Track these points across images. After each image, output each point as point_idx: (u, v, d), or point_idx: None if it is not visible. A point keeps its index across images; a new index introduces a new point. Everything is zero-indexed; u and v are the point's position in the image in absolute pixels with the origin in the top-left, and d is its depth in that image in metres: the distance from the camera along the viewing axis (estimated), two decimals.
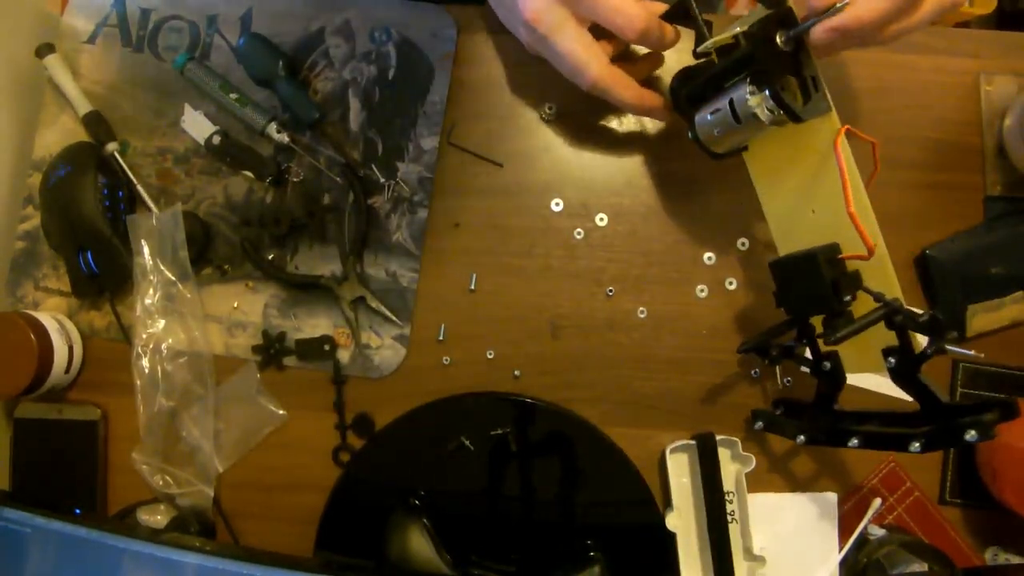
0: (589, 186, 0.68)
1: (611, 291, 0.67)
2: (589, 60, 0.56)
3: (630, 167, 0.68)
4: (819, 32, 0.47)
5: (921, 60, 0.67)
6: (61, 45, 0.71)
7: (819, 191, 0.54)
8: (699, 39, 0.52)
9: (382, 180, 0.68)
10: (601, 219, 0.68)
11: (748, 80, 0.50)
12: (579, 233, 0.68)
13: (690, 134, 0.56)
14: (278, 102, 0.69)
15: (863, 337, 0.51)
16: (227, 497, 0.68)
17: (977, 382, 0.65)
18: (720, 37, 0.51)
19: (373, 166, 0.68)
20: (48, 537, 0.54)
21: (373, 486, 0.67)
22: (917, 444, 0.53)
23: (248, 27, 0.70)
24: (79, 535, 0.53)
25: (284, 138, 0.68)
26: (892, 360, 0.52)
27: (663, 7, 0.56)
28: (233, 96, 0.68)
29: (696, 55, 0.54)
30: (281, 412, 0.68)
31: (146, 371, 0.67)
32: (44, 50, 0.69)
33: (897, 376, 0.53)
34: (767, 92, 0.49)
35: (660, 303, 0.67)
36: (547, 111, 0.68)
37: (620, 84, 0.57)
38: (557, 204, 0.68)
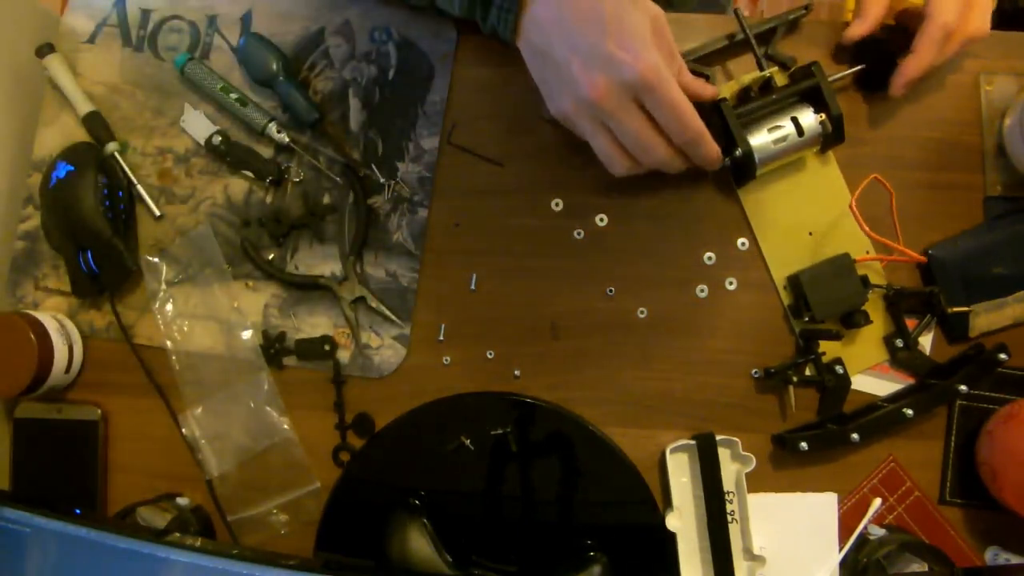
0: (589, 186, 0.68)
1: (611, 291, 0.67)
2: (657, 143, 0.56)
3: None
4: (898, 88, 0.62)
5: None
6: (61, 45, 0.71)
7: (817, 216, 0.67)
8: (760, 67, 0.63)
9: (382, 180, 0.68)
10: (601, 219, 0.68)
11: (806, 104, 0.62)
12: (579, 233, 0.68)
13: (739, 151, 0.61)
14: (278, 102, 0.69)
15: (864, 334, 0.66)
16: (227, 497, 0.68)
17: (979, 383, 0.65)
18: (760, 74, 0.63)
19: (373, 166, 0.68)
20: (48, 537, 0.54)
21: (373, 486, 0.67)
22: (910, 411, 0.62)
23: (248, 27, 0.70)
24: (79, 535, 0.53)
25: (284, 138, 0.68)
26: (899, 342, 0.65)
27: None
28: (233, 96, 0.68)
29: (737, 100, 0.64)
30: (286, 427, 0.67)
31: None
32: (44, 50, 0.69)
33: (899, 355, 0.65)
34: (827, 114, 0.61)
35: (660, 303, 0.67)
36: (547, 111, 0.68)
37: (700, 128, 0.57)
38: (557, 204, 0.68)
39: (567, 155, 0.68)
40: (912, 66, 0.60)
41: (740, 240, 0.67)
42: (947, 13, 0.58)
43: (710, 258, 0.67)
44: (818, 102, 0.62)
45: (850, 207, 0.63)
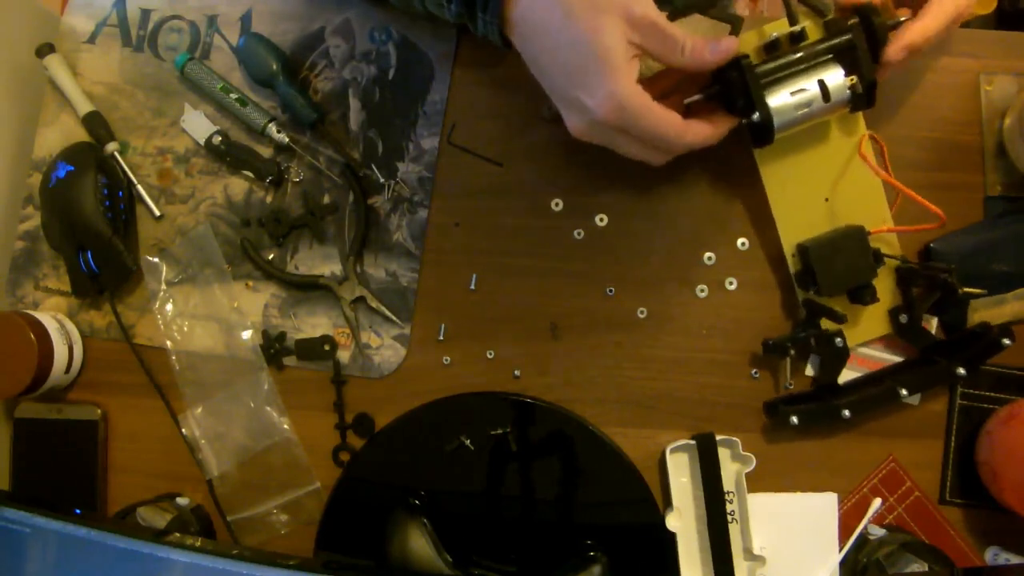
0: (589, 186, 0.68)
1: (611, 291, 0.67)
2: (651, 155, 0.56)
3: (630, 167, 0.67)
4: (896, 52, 0.56)
5: (921, 60, 0.67)
6: (61, 45, 0.71)
7: (835, 181, 0.63)
8: (791, 20, 0.58)
9: (382, 180, 0.68)
10: (601, 219, 0.68)
11: (836, 64, 0.57)
12: (579, 233, 0.68)
13: (757, 115, 0.57)
14: (278, 102, 0.69)
15: (868, 308, 0.64)
16: (227, 497, 0.68)
17: (978, 382, 0.65)
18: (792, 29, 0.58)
19: (373, 166, 0.68)
20: (48, 537, 0.54)
21: (373, 486, 0.67)
22: (904, 390, 0.62)
23: (248, 27, 0.70)
24: (79, 535, 0.53)
25: (284, 138, 0.68)
26: (904, 317, 0.63)
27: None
28: (233, 96, 0.68)
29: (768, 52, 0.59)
30: (286, 427, 0.67)
31: None
32: (44, 50, 0.69)
33: (901, 328, 0.64)
34: (859, 78, 0.56)
35: (660, 303, 0.67)
36: (547, 111, 0.68)
37: (692, 141, 0.56)
38: (557, 204, 0.68)
39: (567, 155, 0.68)
40: (917, 30, 0.56)
41: (740, 240, 0.67)
42: None
43: (710, 258, 0.67)
44: (850, 63, 0.57)
45: (859, 153, 0.61)
